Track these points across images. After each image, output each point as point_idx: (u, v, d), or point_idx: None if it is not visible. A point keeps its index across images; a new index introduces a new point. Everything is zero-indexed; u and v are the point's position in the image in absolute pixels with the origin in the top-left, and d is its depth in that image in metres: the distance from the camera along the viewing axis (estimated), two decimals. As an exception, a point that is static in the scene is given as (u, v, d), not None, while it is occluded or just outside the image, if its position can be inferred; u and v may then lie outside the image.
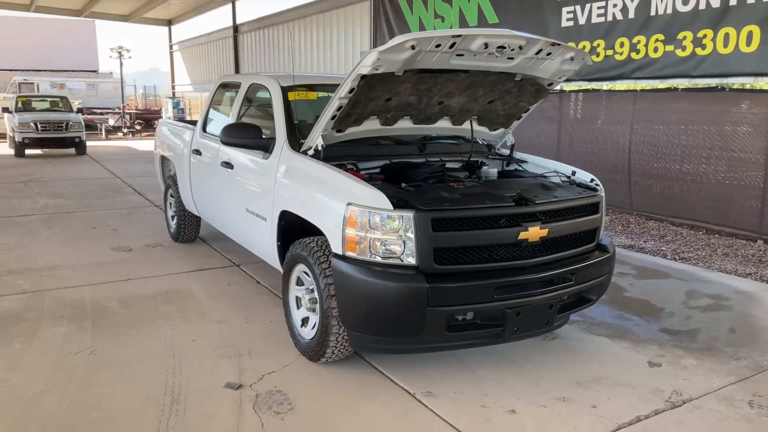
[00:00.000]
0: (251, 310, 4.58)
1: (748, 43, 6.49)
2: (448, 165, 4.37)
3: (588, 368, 3.67)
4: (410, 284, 3.07)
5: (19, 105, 16.96)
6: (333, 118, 3.67)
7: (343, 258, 3.23)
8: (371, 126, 4.02)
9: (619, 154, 8.50)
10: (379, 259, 3.14)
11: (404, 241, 3.12)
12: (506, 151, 4.68)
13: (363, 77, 3.38)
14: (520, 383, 3.47)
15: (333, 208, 3.32)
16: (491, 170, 4.21)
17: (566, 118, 9.48)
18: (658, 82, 7.71)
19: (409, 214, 3.09)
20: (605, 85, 8.88)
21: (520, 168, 4.49)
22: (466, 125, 4.39)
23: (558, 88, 9.58)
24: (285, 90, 4.45)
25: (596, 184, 3.98)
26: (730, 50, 6.68)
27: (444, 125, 4.33)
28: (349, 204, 3.20)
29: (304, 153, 3.87)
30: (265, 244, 4.24)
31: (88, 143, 17.34)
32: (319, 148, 3.76)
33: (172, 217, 6.71)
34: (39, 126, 15.75)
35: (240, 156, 4.64)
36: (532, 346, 3.92)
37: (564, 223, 3.50)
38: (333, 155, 3.85)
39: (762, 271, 5.94)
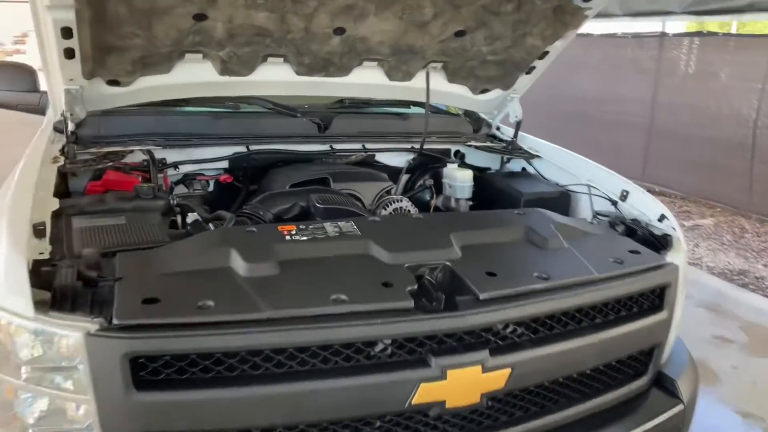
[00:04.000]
0: None
1: None
2: (383, 159, 2.30)
3: None
4: None
5: None
6: (70, 55, 1.68)
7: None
8: (199, 75, 1.97)
9: (739, 127, 5.85)
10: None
11: (76, 405, 1.14)
12: (507, 132, 2.49)
13: None
14: None
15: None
16: (460, 176, 2.08)
17: (668, 72, 6.82)
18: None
19: (76, 336, 1.09)
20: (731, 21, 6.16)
21: (532, 171, 2.32)
22: (418, 80, 2.23)
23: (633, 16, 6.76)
24: None
25: (672, 229, 1.76)
26: None
27: (371, 79, 2.19)
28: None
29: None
30: None
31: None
32: (65, 115, 1.80)
33: None
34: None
35: None
36: None
37: (563, 346, 1.37)
38: (109, 134, 1.91)
39: None
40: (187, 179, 2.11)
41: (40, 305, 1.10)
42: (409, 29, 1.92)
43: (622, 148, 6.81)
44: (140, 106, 2.02)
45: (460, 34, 1.99)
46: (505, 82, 2.30)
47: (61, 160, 1.74)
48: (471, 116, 2.59)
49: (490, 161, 2.48)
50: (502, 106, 2.45)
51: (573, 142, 3.03)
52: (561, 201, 2.06)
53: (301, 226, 1.44)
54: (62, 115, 1.77)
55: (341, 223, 1.48)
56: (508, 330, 1.33)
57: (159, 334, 1.09)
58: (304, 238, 1.40)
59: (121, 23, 1.64)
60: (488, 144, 2.43)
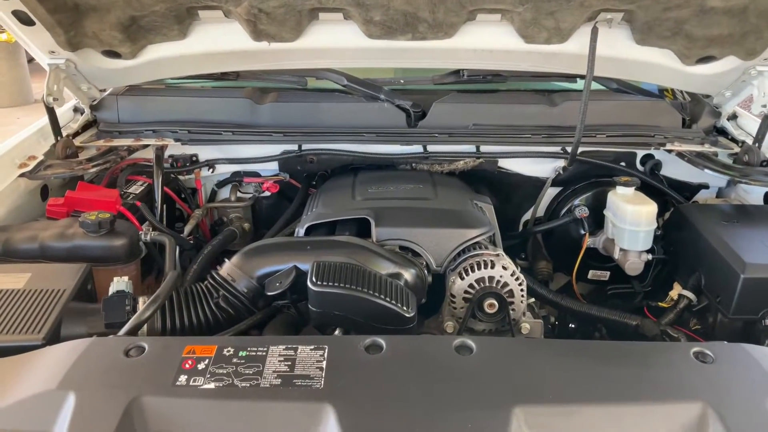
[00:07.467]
0: None
1: None
2: (514, 167, 1.49)
3: None
4: None
5: None
6: (27, 20, 1.20)
7: None
8: (227, 41, 1.36)
9: None
10: None
11: None
12: (750, 126, 1.46)
13: None
14: None
15: None
16: (632, 213, 1.23)
17: None
18: None
19: None
20: None
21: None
22: (579, 41, 1.32)
23: None
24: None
25: None
26: None
27: (494, 42, 1.35)
28: None
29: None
30: None
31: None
32: (46, 100, 1.36)
33: None
34: None
35: None
36: None
37: None
38: (128, 119, 1.48)
39: None
40: (233, 181, 1.57)
41: None
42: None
43: None
44: (168, 84, 1.52)
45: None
46: (747, 45, 1.26)
47: (33, 164, 1.31)
48: (694, 98, 1.58)
49: (707, 175, 1.49)
50: (739, 86, 1.41)
51: None
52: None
53: (225, 351, 0.79)
54: (43, 99, 1.32)
55: (306, 351, 0.78)
56: None
57: None
58: (211, 384, 0.74)
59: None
60: (704, 149, 1.43)
